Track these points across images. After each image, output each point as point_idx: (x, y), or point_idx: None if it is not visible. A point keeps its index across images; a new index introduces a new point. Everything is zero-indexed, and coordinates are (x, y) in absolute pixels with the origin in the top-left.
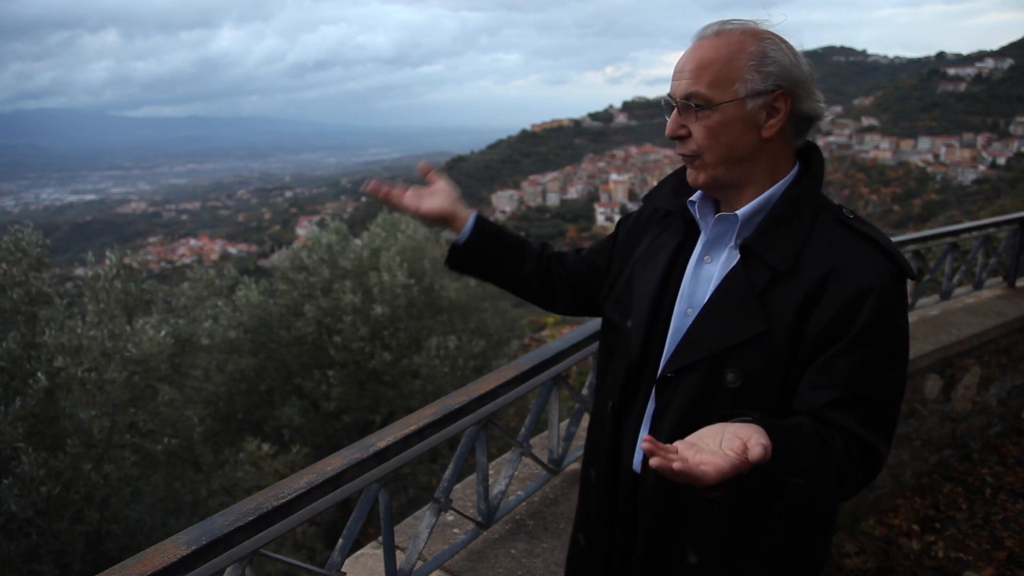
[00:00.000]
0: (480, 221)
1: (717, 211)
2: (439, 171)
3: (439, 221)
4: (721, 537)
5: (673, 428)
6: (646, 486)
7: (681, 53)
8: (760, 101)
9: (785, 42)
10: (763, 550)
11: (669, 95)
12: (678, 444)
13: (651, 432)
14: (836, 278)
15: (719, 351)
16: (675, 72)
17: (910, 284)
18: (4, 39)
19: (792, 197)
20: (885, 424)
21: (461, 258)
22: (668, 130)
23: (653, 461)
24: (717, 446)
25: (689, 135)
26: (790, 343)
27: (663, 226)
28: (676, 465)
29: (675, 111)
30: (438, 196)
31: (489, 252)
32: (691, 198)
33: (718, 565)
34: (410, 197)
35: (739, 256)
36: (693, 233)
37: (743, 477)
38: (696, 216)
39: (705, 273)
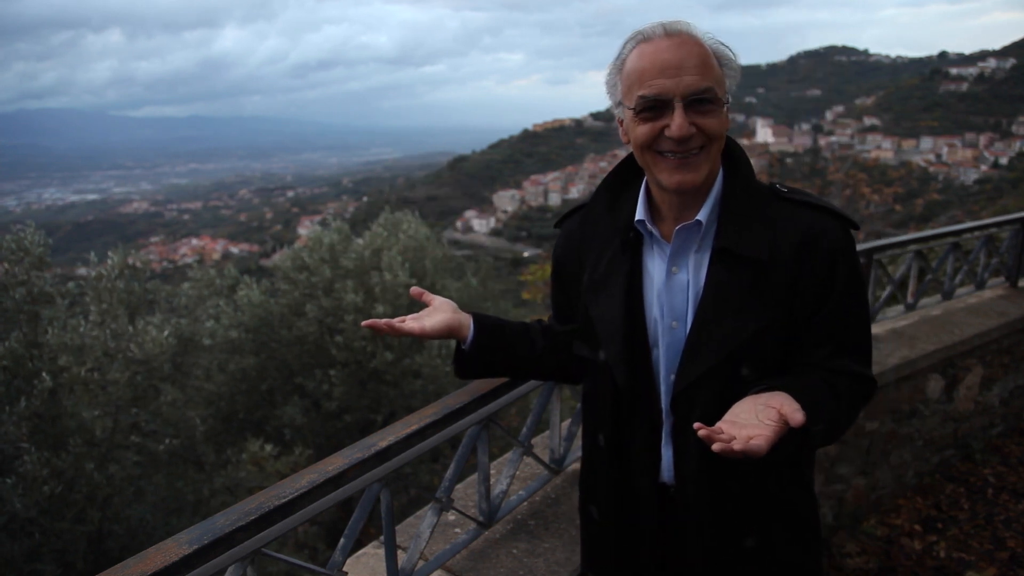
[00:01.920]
0: (478, 318)
1: (655, 220)
2: (430, 298)
3: (445, 335)
4: (767, 515)
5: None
6: (688, 494)
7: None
8: (728, 97)
9: None
10: (799, 519)
11: (658, 94)
12: (721, 425)
13: (678, 447)
14: (806, 250)
15: (729, 352)
16: (665, 68)
17: (912, 284)
18: (7, 39)
19: (737, 190)
20: (868, 354)
21: (473, 360)
22: (682, 131)
23: (716, 446)
24: (755, 419)
25: (696, 131)
26: (786, 320)
27: (602, 248)
28: (736, 445)
29: (679, 108)
30: (437, 313)
31: (497, 344)
32: (637, 216)
33: (773, 542)
34: (411, 323)
35: (710, 260)
36: (637, 250)
37: (782, 438)
38: (653, 231)
39: (677, 284)
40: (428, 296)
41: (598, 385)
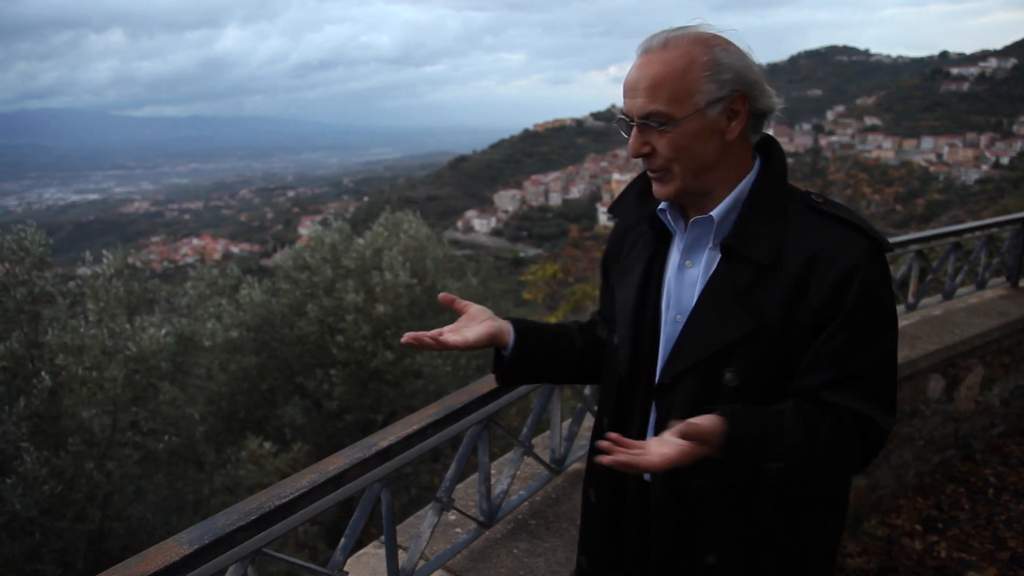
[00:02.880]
0: (517, 323)
1: (685, 215)
2: (452, 296)
3: (487, 345)
4: (736, 536)
5: None
6: (657, 492)
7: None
8: (720, 108)
9: (733, 44)
10: (780, 547)
11: (624, 112)
12: (650, 440)
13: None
14: (819, 264)
15: (712, 353)
16: (627, 89)
17: (913, 284)
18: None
19: (761, 191)
20: (881, 395)
21: (515, 365)
22: (631, 150)
23: (603, 459)
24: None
25: (653, 151)
26: (782, 335)
27: (634, 238)
28: (622, 456)
29: (635, 129)
30: (477, 323)
31: (538, 347)
32: (660, 206)
33: (735, 563)
34: (451, 335)
35: (720, 257)
36: (664, 241)
37: (722, 464)
38: (669, 223)
39: (688, 278)
40: (460, 303)
41: (608, 368)
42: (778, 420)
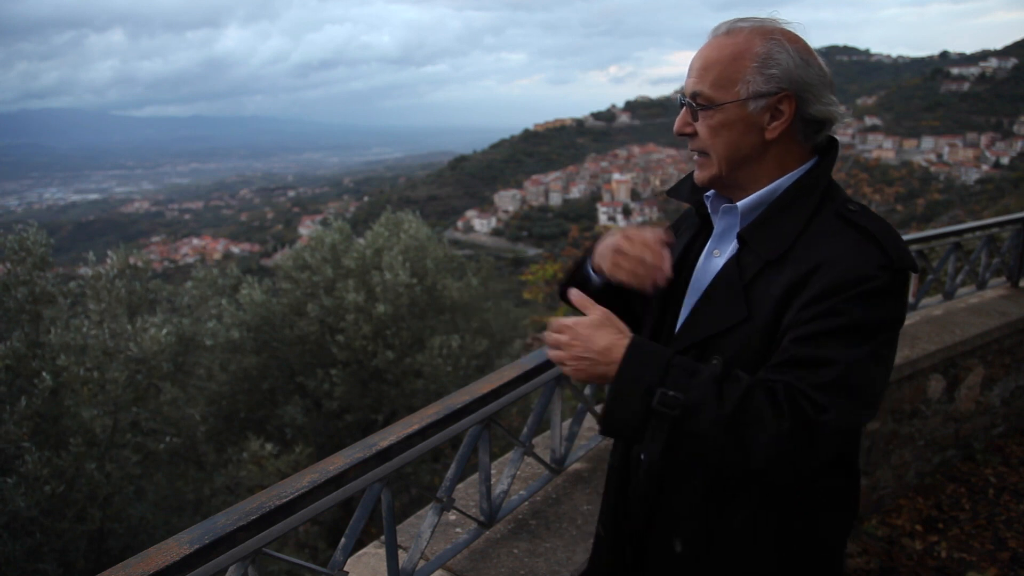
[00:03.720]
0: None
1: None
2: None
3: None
4: (700, 523)
5: None
6: (640, 473)
7: (687, 53)
8: (763, 103)
9: (797, 42)
10: (751, 544)
11: (681, 92)
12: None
13: None
14: (822, 268)
15: (704, 338)
16: (688, 69)
17: (912, 283)
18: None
19: (793, 191)
20: (846, 387)
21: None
22: (676, 126)
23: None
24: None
25: (695, 133)
26: (768, 330)
27: (687, 221)
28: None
29: (684, 108)
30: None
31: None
32: (707, 193)
33: (701, 552)
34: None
35: (737, 247)
36: (708, 227)
37: (620, 375)
38: (709, 210)
39: (712, 266)
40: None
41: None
42: (693, 364)
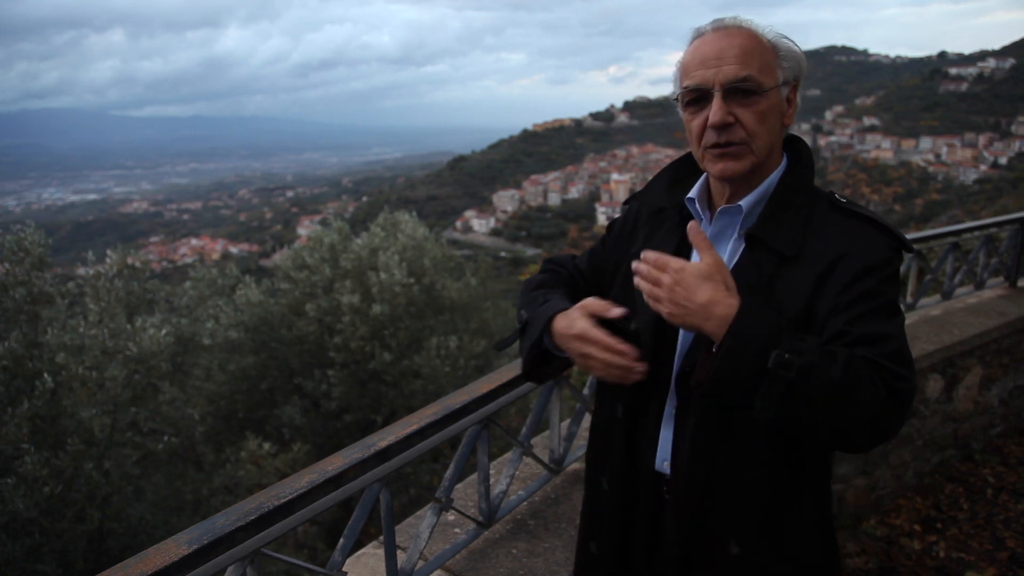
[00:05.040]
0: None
1: (711, 206)
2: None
3: None
4: (758, 524)
5: (699, 422)
6: (679, 482)
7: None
8: (786, 91)
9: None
10: (797, 534)
11: (698, 84)
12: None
13: (677, 429)
14: (843, 262)
15: None
16: (708, 59)
17: (912, 284)
18: (10, 39)
19: (788, 186)
20: (905, 357)
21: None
22: (717, 118)
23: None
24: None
25: (736, 122)
26: (801, 324)
27: (656, 224)
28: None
29: (718, 98)
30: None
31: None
32: (689, 195)
33: (762, 548)
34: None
35: (743, 247)
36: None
37: (736, 334)
38: (697, 212)
39: None
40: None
41: None
42: (804, 335)
